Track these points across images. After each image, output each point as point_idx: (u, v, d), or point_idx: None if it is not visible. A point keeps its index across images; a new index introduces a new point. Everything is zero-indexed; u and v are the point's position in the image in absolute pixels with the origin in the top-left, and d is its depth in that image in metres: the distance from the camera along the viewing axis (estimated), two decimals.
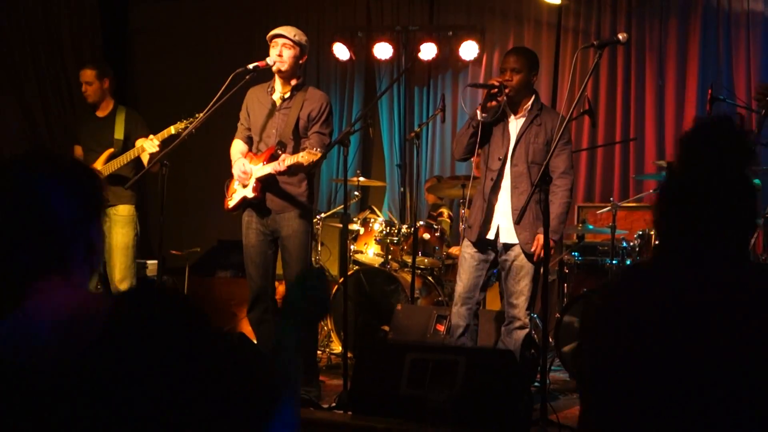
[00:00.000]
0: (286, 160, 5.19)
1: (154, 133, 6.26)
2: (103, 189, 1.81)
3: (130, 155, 6.34)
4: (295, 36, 5.44)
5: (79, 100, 6.87)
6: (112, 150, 6.45)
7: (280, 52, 5.42)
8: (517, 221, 4.85)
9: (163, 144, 6.07)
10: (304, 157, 5.08)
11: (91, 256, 1.75)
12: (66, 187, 1.71)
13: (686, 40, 7.93)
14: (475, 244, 5.29)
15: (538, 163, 5.09)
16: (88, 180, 1.77)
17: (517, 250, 5.20)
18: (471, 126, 5.23)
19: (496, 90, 5.12)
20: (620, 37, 4.54)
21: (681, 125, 7.85)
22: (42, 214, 1.67)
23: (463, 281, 5.30)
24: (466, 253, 5.33)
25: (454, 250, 7.24)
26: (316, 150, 5.07)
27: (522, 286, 5.18)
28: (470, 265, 5.30)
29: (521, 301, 5.18)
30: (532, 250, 5.11)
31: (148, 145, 6.12)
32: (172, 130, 6.04)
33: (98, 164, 6.40)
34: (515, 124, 5.27)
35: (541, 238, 5.00)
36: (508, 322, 5.24)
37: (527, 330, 5.22)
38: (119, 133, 6.52)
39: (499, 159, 5.24)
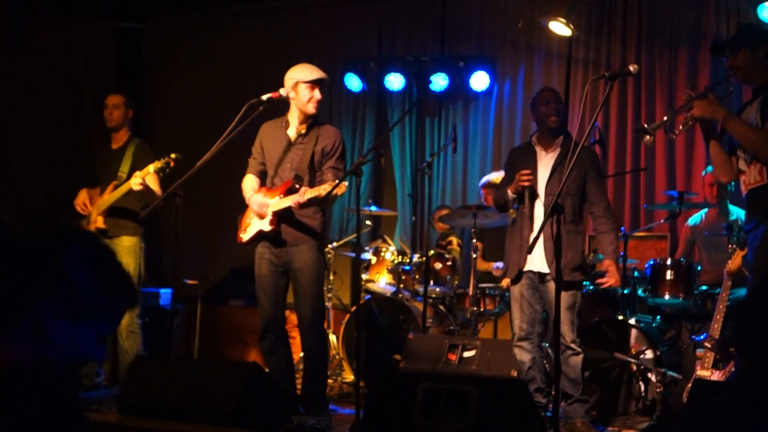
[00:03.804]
0: (307, 193, 5.23)
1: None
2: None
3: (122, 189, 6.43)
4: (327, 78, 5.60)
5: (97, 131, 6.95)
6: (115, 182, 6.55)
7: (320, 97, 5.54)
8: (529, 251, 4.90)
9: (173, 174, 6.14)
10: (325, 189, 5.14)
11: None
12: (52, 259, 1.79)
13: (696, 70, 7.95)
14: (518, 280, 5.58)
15: (571, 195, 5.36)
16: (81, 264, 1.82)
17: (551, 280, 5.42)
18: (505, 199, 5.70)
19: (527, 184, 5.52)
20: (631, 68, 4.58)
21: (691, 155, 7.86)
22: None
23: (518, 319, 5.61)
24: (515, 290, 5.62)
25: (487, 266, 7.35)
26: (341, 183, 5.14)
27: (566, 319, 5.42)
28: (521, 302, 5.59)
29: (566, 330, 5.42)
30: (610, 282, 5.52)
31: (132, 182, 6.26)
32: (150, 168, 6.17)
33: (104, 197, 6.54)
34: (547, 159, 5.62)
35: (611, 266, 5.50)
36: (562, 351, 5.40)
37: (581, 355, 5.50)
38: (125, 167, 6.62)
39: (534, 199, 5.57)
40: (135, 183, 6.27)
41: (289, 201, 5.35)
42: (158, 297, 7.78)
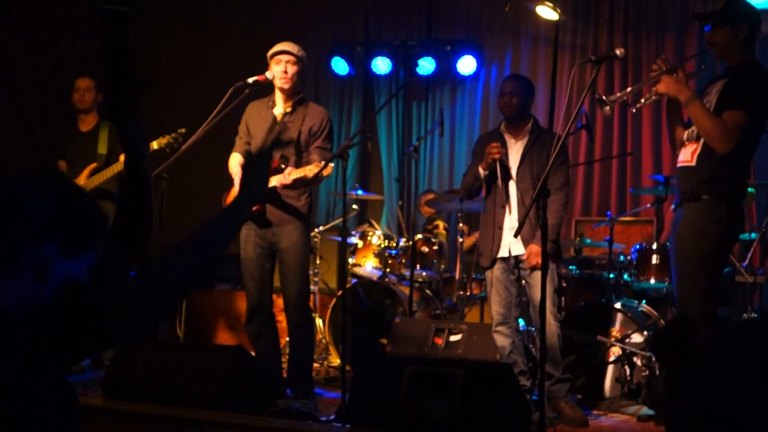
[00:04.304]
0: (292, 174, 5.22)
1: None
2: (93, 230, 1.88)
3: (113, 169, 6.40)
4: (298, 52, 5.50)
5: (68, 112, 6.93)
6: (95, 165, 6.51)
7: (285, 69, 5.47)
8: (516, 234, 4.89)
9: (160, 157, 6.12)
10: (311, 170, 5.13)
11: (39, 277, 1.82)
12: (39, 201, 1.85)
13: (683, 55, 7.96)
14: (494, 265, 5.58)
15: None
16: (63, 203, 1.88)
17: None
18: (476, 179, 5.62)
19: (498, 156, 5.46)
20: (617, 52, 4.58)
21: None
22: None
23: (496, 303, 5.59)
24: (491, 276, 5.62)
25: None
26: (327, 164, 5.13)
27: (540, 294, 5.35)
28: (498, 287, 5.59)
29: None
30: (530, 261, 5.40)
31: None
32: (154, 145, 6.12)
33: (81, 179, 6.47)
34: (517, 147, 5.61)
35: (533, 247, 5.36)
36: (539, 330, 5.41)
37: (557, 333, 5.47)
38: (102, 148, 6.60)
39: (505, 185, 5.55)
40: None
41: (275, 181, 5.33)
42: None
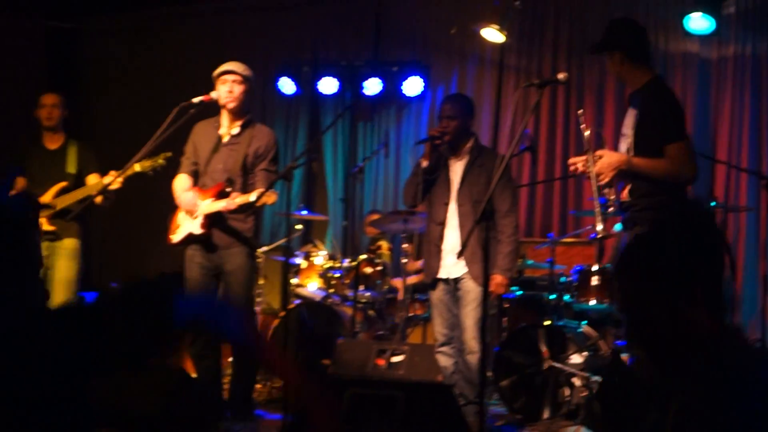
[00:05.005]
0: (237, 199, 5.21)
1: (101, 167, 6.23)
2: None
3: (83, 192, 6.24)
4: (244, 71, 5.50)
5: (28, 132, 6.77)
6: (65, 184, 6.35)
7: (231, 89, 5.46)
8: (459, 255, 4.93)
9: (142, 180, 6.02)
10: (255, 197, 5.13)
11: None
12: None
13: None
14: (436, 286, 5.62)
15: (482, 202, 5.23)
16: None
17: (466, 280, 5.49)
18: (417, 173, 5.62)
19: (439, 141, 5.51)
20: (560, 76, 4.63)
21: None
22: None
23: (437, 324, 5.64)
24: (434, 296, 5.66)
25: (396, 282, 7.32)
26: (271, 192, 5.13)
27: (470, 315, 5.43)
28: (440, 308, 5.63)
29: (469, 328, 5.44)
30: (491, 290, 5.34)
31: (109, 179, 6.04)
32: (137, 167, 5.93)
33: (48, 197, 6.30)
34: (457, 167, 5.64)
35: (497, 278, 5.38)
36: (461, 350, 5.53)
37: (478, 355, 5.41)
38: (72, 167, 6.45)
39: (445, 203, 5.58)
40: (117, 182, 5.98)
41: (221, 205, 5.32)
42: (83, 301, 7.62)
